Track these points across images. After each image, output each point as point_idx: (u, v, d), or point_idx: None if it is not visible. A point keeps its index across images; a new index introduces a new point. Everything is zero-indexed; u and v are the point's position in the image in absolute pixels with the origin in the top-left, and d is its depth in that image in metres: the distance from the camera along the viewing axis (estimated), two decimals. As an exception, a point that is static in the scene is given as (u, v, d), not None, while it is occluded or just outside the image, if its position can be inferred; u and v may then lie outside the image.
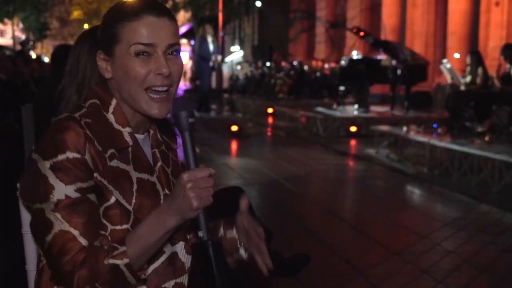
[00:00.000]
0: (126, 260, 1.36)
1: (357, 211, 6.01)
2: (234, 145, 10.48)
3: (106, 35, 1.50)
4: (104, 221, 1.43)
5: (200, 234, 1.38)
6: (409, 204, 6.35)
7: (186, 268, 1.54)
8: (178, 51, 1.51)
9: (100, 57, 1.52)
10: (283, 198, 6.37)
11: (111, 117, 1.50)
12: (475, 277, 3.90)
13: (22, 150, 4.59)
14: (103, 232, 1.42)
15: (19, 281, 1.87)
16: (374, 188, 7.20)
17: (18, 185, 1.60)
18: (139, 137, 1.56)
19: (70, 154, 1.38)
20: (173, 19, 1.50)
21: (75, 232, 1.37)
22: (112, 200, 1.44)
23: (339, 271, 3.98)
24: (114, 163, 1.45)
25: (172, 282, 1.51)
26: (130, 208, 1.45)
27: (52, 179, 1.38)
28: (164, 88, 1.47)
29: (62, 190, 1.38)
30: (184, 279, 1.54)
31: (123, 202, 1.44)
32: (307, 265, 3.90)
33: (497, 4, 13.98)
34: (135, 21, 1.46)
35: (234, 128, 11.33)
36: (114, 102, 1.52)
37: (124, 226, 1.44)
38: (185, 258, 1.54)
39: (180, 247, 1.53)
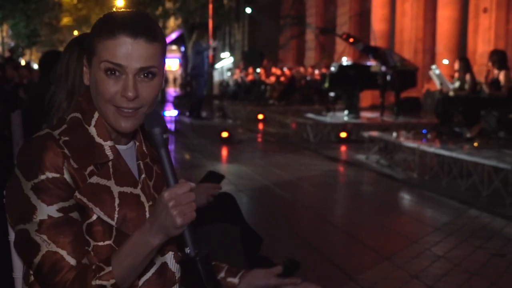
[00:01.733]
0: (112, 281, 1.35)
1: (347, 216, 6.02)
2: (224, 151, 10.47)
3: (87, 45, 1.50)
4: (87, 237, 1.43)
5: (187, 250, 1.35)
6: (399, 209, 6.36)
7: (176, 278, 1.53)
8: (154, 73, 1.45)
9: (84, 63, 1.52)
10: (274, 203, 6.36)
11: (92, 130, 1.48)
12: (465, 281, 3.91)
13: (11, 156, 4.57)
14: (87, 248, 1.42)
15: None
16: (364, 193, 7.22)
17: (5, 192, 1.59)
18: (122, 148, 1.53)
19: (50, 174, 1.38)
20: (153, 41, 1.43)
21: (63, 252, 1.37)
22: (94, 217, 1.43)
23: (330, 276, 3.98)
24: (94, 179, 1.44)
25: None
26: (113, 223, 1.43)
27: (34, 199, 1.37)
28: (130, 110, 1.44)
29: (44, 211, 1.37)
30: None
31: (105, 218, 1.43)
32: (298, 271, 3.89)
33: (485, 10, 14.08)
34: (110, 39, 1.42)
35: (225, 134, 11.33)
36: (96, 115, 1.50)
37: (107, 242, 1.43)
38: (175, 268, 1.53)
39: (169, 257, 1.53)
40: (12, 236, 1.62)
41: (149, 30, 1.44)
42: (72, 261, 1.37)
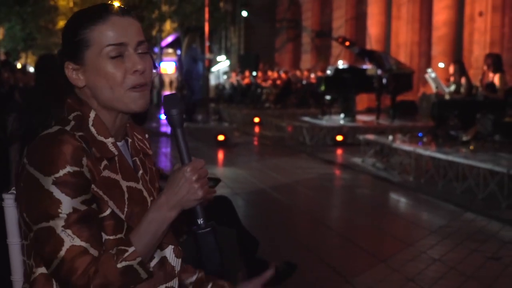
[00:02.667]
0: (139, 259, 1.39)
1: (343, 219, 6.02)
2: (220, 155, 10.47)
3: (72, 43, 1.49)
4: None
5: (200, 221, 1.45)
6: (395, 212, 6.37)
7: (176, 272, 1.55)
8: (146, 47, 1.51)
9: (69, 67, 1.50)
10: (270, 207, 6.37)
11: (92, 129, 1.49)
12: (461, 284, 3.92)
13: (7, 159, 4.56)
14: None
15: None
16: (360, 196, 7.23)
17: (3, 195, 1.59)
18: (119, 144, 1.56)
19: (71, 168, 1.37)
20: (136, 17, 1.51)
21: (87, 245, 1.37)
22: (108, 211, 1.44)
23: (326, 279, 3.98)
24: (106, 173, 1.45)
25: (162, 287, 1.51)
26: (123, 216, 1.45)
27: (58, 193, 1.37)
28: (142, 87, 1.49)
29: (69, 204, 1.37)
30: (175, 283, 1.55)
31: (117, 211, 1.45)
32: (294, 273, 3.90)
33: (480, 14, 14.14)
34: (101, 24, 1.45)
35: (221, 137, 11.34)
36: (92, 114, 1.50)
37: (118, 236, 1.45)
38: (175, 262, 1.55)
39: (169, 252, 1.55)
40: (11, 239, 1.61)
41: (129, 8, 1.53)
42: (94, 253, 1.38)
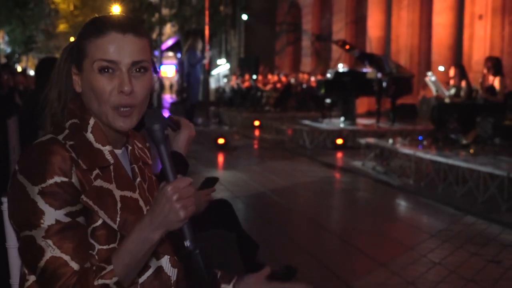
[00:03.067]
0: (115, 279, 1.35)
1: (343, 222, 6.02)
2: (220, 158, 10.47)
3: (76, 49, 1.52)
4: (92, 241, 1.43)
5: (187, 243, 1.37)
6: (395, 215, 6.37)
7: (172, 282, 1.54)
8: (146, 68, 1.49)
9: (73, 71, 1.53)
10: (270, 210, 6.36)
11: (90, 136, 1.49)
12: (461, 288, 3.92)
13: (8, 162, 4.56)
14: (91, 252, 1.42)
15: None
16: (360, 200, 7.23)
17: (2, 199, 1.59)
18: (118, 152, 1.55)
19: (58, 179, 1.37)
20: (141, 36, 1.49)
21: (67, 258, 1.36)
22: (99, 221, 1.43)
23: (326, 283, 3.98)
24: (98, 182, 1.45)
25: None
26: (115, 226, 1.44)
27: (42, 204, 1.36)
28: (127, 108, 1.47)
29: (52, 215, 1.37)
30: None
31: (108, 221, 1.44)
32: (294, 277, 3.89)
33: (480, 17, 14.14)
34: (100, 38, 1.46)
35: (221, 140, 11.34)
36: (92, 121, 1.51)
37: (111, 245, 1.44)
38: (171, 272, 1.54)
39: (165, 261, 1.53)
40: (10, 242, 1.62)
41: (136, 26, 1.49)
42: (75, 266, 1.37)
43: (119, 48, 1.45)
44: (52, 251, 1.36)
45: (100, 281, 1.34)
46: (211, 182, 2.96)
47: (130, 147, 1.61)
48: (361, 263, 4.42)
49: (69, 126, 1.49)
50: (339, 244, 5.04)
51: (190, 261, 1.37)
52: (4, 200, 1.60)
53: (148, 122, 1.41)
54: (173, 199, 1.33)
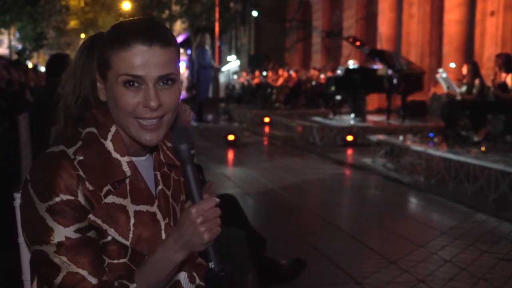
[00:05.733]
0: None
1: (353, 220, 6.01)
2: (230, 155, 10.48)
3: (100, 58, 1.45)
4: (102, 255, 1.42)
5: (211, 265, 1.35)
6: (406, 213, 6.35)
7: None
8: (173, 80, 1.42)
9: (97, 79, 1.46)
10: (280, 207, 6.36)
11: (109, 145, 1.44)
12: (472, 286, 3.90)
13: (19, 159, 4.58)
14: (104, 266, 1.41)
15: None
16: (370, 197, 7.21)
17: (14, 194, 1.59)
18: (140, 159, 1.50)
19: (64, 197, 1.34)
20: (167, 46, 1.40)
21: (84, 273, 1.35)
22: (109, 238, 1.41)
23: (336, 280, 3.97)
24: (110, 199, 1.41)
25: None
26: (127, 243, 1.42)
27: (50, 221, 1.34)
28: (154, 121, 1.41)
29: (61, 232, 1.34)
30: None
31: (119, 238, 1.41)
32: (304, 270, 3.89)
33: (492, 14, 14.05)
34: (125, 51, 1.37)
35: (231, 137, 11.34)
36: (113, 128, 1.45)
37: (122, 260, 1.42)
38: (188, 287, 1.52)
39: (183, 276, 1.51)
40: (21, 239, 1.62)
41: (163, 36, 1.40)
42: (93, 281, 1.35)
43: (144, 62, 1.36)
44: (68, 267, 1.34)
45: None
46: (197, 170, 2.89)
47: (155, 153, 1.55)
48: (371, 260, 4.41)
49: (84, 135, 1.44)
50: (348, 241, 5.03)
51: (215, 284, 1.34)
52: (17, 196, 1.60)
53: (175, 142, 1.36)
54: (197, 222, 1.31)
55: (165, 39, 1.40)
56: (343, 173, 8.76)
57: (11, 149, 5.15)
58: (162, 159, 1.56)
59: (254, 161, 9.66)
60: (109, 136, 1.45)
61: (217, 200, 1.34)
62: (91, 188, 1.38)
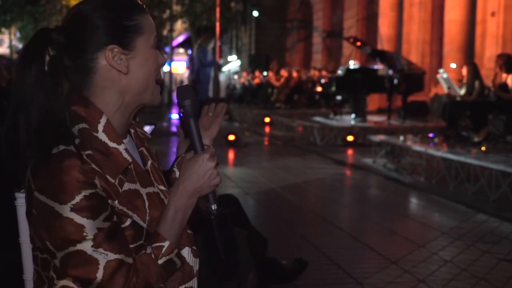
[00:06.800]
0: (176, 251, 1.45)
1: (354, 220, 6.00)
2: (231, 154, 10.48)
3: (124, 27, 1.44)
4: None
5: (213, 207, 1.51)
6: (406, 213, 6.35)
7: (194, 272, 1.55)
8: None
9: (115, 51, 1.43)
10: (280, 207, 6.36)
11: (103, 136, 1.43)
12: (473, 286, 3.89)
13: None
14: None
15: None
16: (371, 197, 7.21)
17: (16, 194, 1.59)
18: (125, 142, 1.52)
19: (86, 192, 1.33)
20: None
21: (121, 256, 1.36)
22: (128, 222, 1.42)
23: (336, 280, 3.97)
24: (126, 186, 1.43)
25: (182, 287, 1.52)
26: (145, 225, 1.45)
27: (79, 219, 1.33)
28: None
29: (93, 226, 1.34)
30: (194, 283, 1.55)
31: (141, 223, 1.45)
32: (304, 270, 3.89)
33: (493, 14, 14.05)
34: (146, 14, 1.51)
35: (231, 137, 11.34)
36: (104, 119, 1.44)
37: (139, 243, 1.44)
38: (193, 262, 1.54)
39: (187, 252, 1.54)
40: (23, 237, 1.61)
41: None
42: (129, 260, 1.38)
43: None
44: (105, 257, 1.34)
45: (164, 259, 1.43)
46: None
47: (133, 131, 1.61)
48: (371, 261, 4.41)
49: (78, 132, 1.41)
50: (349, 241, 5.03)
51: (218, 223, 1.50)
52: (18, 195, 1.60)
53: (179, 98, 1.50)
54: (212, 166, 1.48)
55: None
56: (343, 173, 8.76)
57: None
58: (140, 135, 1.64)
59: (255, 161, 9.66)
60: (100, 128, 1.43)
61: (213, 150, 1.54)
62: (110, 179, 1.41)
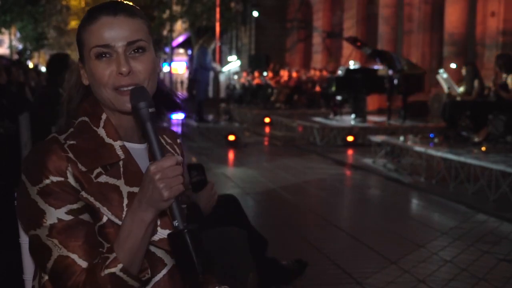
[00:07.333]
0: (120, 266, 1.35)
1: (354, 220, 6.00)
2: (231, 155, 10.48)
3: (77, 41, 1.52)
4: (100, 239, 1.42)
5: (175, 223, 1.35)
6: (406, 213, 6.34)
7: None
8: (143, 47, 1.47)
9: (79, 65, 1.53)
10: (280, 207, 6.36)
11: (102, 131, 1.48)
12: (473, 286, 3.90)
13: (19, 158, 4.59)
14: (101, 249, 1.41)
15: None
16: (371, 197, 7.21)
17: (16, 194, 1.59)
18: (134, 146, 1.53)
19: (54, 178, 1.37)
20: (133, 15, 1.47)
21: (74, 256, 1.36)
22: (105, 219, 1.42)
23: (336, 280, 3.97)
24: (103, 178, 1.43)
25: None
26: (120, 223, 1.42)
27: (41, 204, 1.37)
28: (129, 88, 1.44)
29: (53, 214, 1.37)
30: None
31: (112, 218, 1.42)
32: (304, 270, 3.89)
33: (492, 14, 14.05)
34: (93, 24, 1.45)
35: (231, 137, 11.34)
36: (104, 116, 1.50)
37: None
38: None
39: (161, 276, 1.50)
40: (23, 238, 1.62)
41: (127, 6, 1.48)
42: (83, 264, 1.36)
43: (111, 31, 1.43)
44: (59, 250, 1.36)
45: (107, 271, 1.34)
46: (195, 170, 2.86)
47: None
48: (371, 261, 4.41)
49: (77, 124, 1.49)
50: (349, 242, 5.03)
51: (178, 242, 1.33)
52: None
53: (133, 100, 1.39)
54: (155, 178, 1.31)
55: (130, 10, 1.48)
56: (343, 174, 8.76)
57: (12, 149, 5.16)
58: (168, 147, 1.62)
59: (255, 161, 9.66)
60: (101, 124, 1.49)
61: (179, 158, 1.35)
62: (83, 169, 1.41)
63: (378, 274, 4.07)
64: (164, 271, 1.48)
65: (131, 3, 1.53)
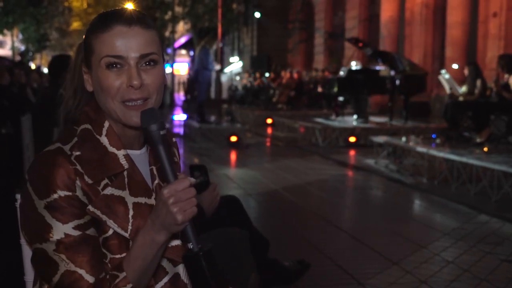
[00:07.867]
0: (129, 286, 1.35)
1: (356, 221, 6.00)
2: (233, 156, 10.48)
3: (85, 46, 1.48)
4: (104, 250, 1.41)
5: (190, 246, 1.34)
6: (408, 214, 6.34)
7: None
8: (155, 60, 1.45)
9: (83, 70, 1.50)
10: (282, 208, 6.36)
11: (104, 140, 1.46)
12: (475, 287, 3.89)
13: (21, 159, 4.59)
14: (104, 260, 1.41)
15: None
16: (373, 198, 7.20)
17: (17, 196, 1.59)
18: (135, 153, 1.51)
19: (62, 193, 1.35)
20: (147, 27, 1.44)
21: (81, 271, 1.35)
22: (110, 231, 1.41)
23: (338, 281, 3.97)
24: (108, 190, 1.41)
25: None
26: (126, 235, 1.41)
27: (49, 218, 1.35)
28: (139, 102, 1.42)
29: (60, 229, 1.35)
30: None
31: (119, 230, 1.41)
32: (306, 271, 3.89)
33: (494, 14, 14.03)
34: (106, 33, 1.41)
35: (233, 138, 11.35)
36: (107, 123, 1.47)
37: (124, 254, 1.42)
38: (187, 279, 1.52)
39: (182, 268, 1.51)
40: (23, 240, 1.62)
41: (142, 18, 1.45)
42: (90, 279, 1.35)
43: (125, 42, 1.40)
44: (66, 265, 1.35)
45: None
46: (197, 171, 2.87)
47: (149, 148, 1.56)
48: (373, 261, 4.40)
49: (79, 132, 1.46)
50: (351, 242, 5.03)
51: (193, 264, 1.33)
52: (19, 197, 1.60)
53: (144, 123, 1.36)
54: (169, 203, 1.29)
55: (144, 21, 1.44)
56: (345, 174, 8.75)
57: (14, 150, 5.16)
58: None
59: (257, 162, 9.65)
60: (104, 131, 1.47)
61: (192, 180, 1.33)
62: (89, 181, 1.39)
63: (380, 275, 4.07)
64: (165, 279, 1.48)
65: (145, 14, 1.49)
